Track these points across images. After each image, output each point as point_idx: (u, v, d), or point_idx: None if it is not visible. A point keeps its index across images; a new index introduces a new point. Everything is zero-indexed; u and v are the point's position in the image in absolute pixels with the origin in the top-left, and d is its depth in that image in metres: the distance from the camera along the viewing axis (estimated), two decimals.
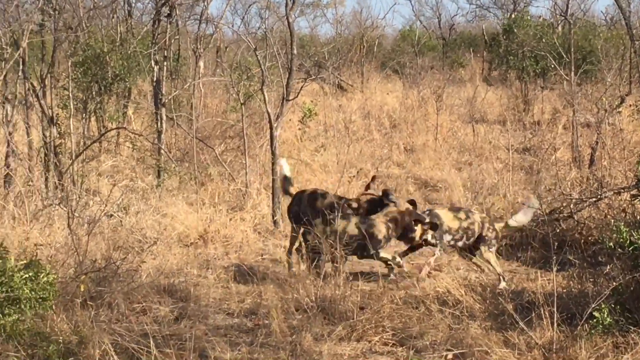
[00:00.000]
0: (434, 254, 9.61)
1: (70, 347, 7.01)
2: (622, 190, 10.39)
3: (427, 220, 9.38)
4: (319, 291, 8.49)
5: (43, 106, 12.21)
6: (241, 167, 13.65)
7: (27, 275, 6.47)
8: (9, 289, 6.39)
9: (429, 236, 9.46)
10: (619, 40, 21.85)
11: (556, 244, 9.27)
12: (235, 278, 9.61)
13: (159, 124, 13.48)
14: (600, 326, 7.11)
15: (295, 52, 12.46)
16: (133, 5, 20.43)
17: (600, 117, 14.25)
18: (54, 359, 6.72)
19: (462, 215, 9.61)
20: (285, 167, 10.85)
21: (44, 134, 12.32)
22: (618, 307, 7.25)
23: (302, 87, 13.49)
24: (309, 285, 8.65)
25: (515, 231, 10.39)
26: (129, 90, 16.74)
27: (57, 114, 12.89)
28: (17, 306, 6.46)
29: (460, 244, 9.61)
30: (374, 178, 10.55)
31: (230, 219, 11.72)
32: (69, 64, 13.19)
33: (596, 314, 7.12)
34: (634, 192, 8.92)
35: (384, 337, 7.72)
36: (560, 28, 24.52)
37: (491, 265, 9.57)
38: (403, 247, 9.91)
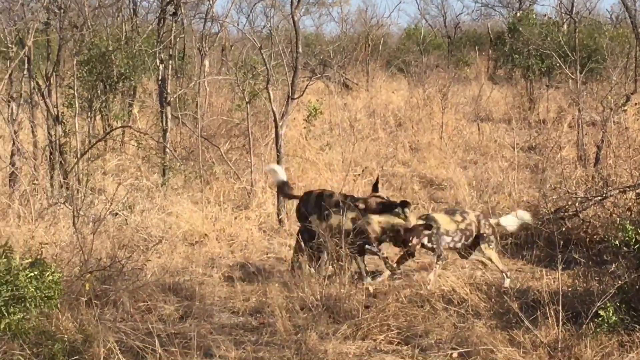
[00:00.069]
0: (436, 265, 9.50)
1: (75, 346, 7.02)
2: (628, 189, 10.39)
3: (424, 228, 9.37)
4: (324, 290, 8.49)
5: (48, 105, 12.22)
6: (246, 165, 13.65)
7: (32, 274, 6.46)
8: (14, 288, 6.39)
9: (425, 240, 9.43)
10: (624, 39, 21.80)
11: (561, 242, 9.27)
12: (240, 277, 9.61)
13: (164, 122, 13.49)
14: (606, 325, 7.11)
15: (300, 50, 12.46)
16: (138, 3, 20.50)
17: (606, 116, 14.24)
18: (59, 357, 6.73)
19: (457, 217, 9.58)
20: (279, 172, 10.75)
21: (49, 133, 12.33)
22: (623, 305, 7.25)
23: (307, 85, 13.48)
24: (314, 284, 8.65)
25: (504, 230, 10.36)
26: (134, 88, 16.74)
27: (63, 112, 12.89)
28: (23, 305, 6.45)
29: (459, 245, 9.58)
30: (378, 178, 10.55)
31: (236, 218, 11.73)
32: (74, 62, 13.19)
33: (601, 312, 7.12)
34: None
35: (389, 335, 7.71)
36: (565, 26, 24.47)
37: (493, 262, 9.55)
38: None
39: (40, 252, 8.00)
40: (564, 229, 10.68)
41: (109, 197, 11.28)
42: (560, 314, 7.20)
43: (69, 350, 6.88)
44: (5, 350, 6.59)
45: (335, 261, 9.07)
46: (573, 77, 16.97)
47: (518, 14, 28.29)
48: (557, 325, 7.21)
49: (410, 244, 9.30)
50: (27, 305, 6.46)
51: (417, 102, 20.82)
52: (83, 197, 11.23)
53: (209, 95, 17.87)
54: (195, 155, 13.87)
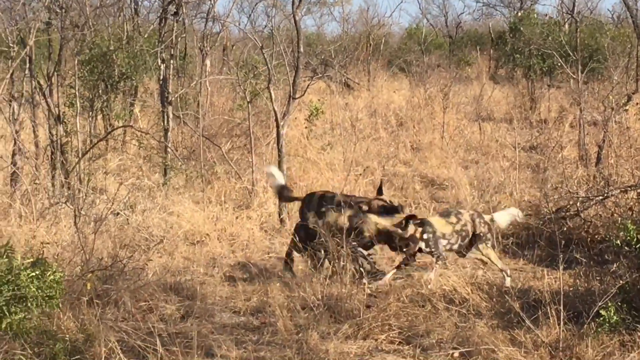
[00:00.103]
0: (434, 268, 9.49)
1: (76, 345, 7.02)
2: (629, 189, 10.39)
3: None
4: (325, 289, 8.49)
5: (50, 104, 12.23)
6: (248, 165, 13.65)
7: (33, 274, 6.47)
8: (16, 287, 6.39)
9: (422, 245, 9.43)
10: (625, 38, 21.79)
11: (563, 242, 9.24)
12: (242, 276, 9.61)
13: (165, 122, 13.49)
14: (607, 324, 7.11)
15: (301, 50, 12.46)
16: (140, 3, 20.48)
17: (607, 115, 14.23)
18: (61, 357, 6.73)
19: (452, 219, 9.56)
20: (277, 176, 10.73)
21: (50, 132, 12.34)
22: (625, 305, 7.25)
23: (308, 85, 13.47)
24: (315, 284, 8.65)
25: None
26: (136, 88, 16.74)
27: (64, 112, 12.90)
28: (24, 304, 6.46)
29: (455, 247, 9.57)
30: (382, 182, 10.56)
31: (237, 217, 11.73)
32: (76, 62, 13.20)
33: (603, 312, 7.11)
34: None
35: (391, 335, 7.71)
36: (566, 26, 24.47)
37: (492, 260, 9.55)
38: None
39: (41, 252, 8.00)
40: (565, 229, 10.67)
41: (111, 197, 11.28)
42: (562, 313, 7.20)
43: (70, 350, 6.88)
44: (6, 350, 6.59)
45: (336, 260, 9.07)
46: (574, 76, 16.95)
47: (519, 14, 28.28)
48: (559, 325, 7.21)
49: (405, 250, 9.32)
50: (29, 304, 6.47)
51: (418, 101, 20.81)
52: (84, 197, 11.23)
53: (211, 95, 17.87)
54: (197, 154, 13.88)
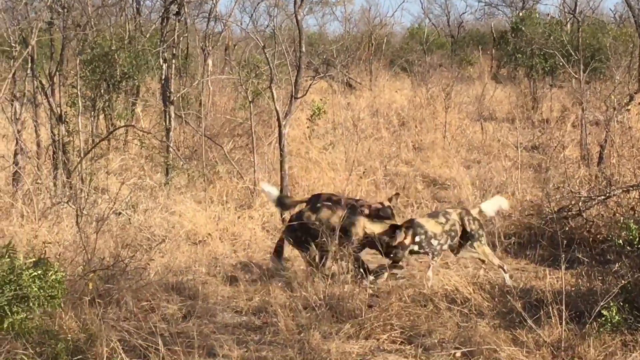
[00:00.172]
0: (432, 263, 9.49)
1: (78, 345, 7.02)
2: (631, 188, 10.38)
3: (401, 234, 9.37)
4: (327, 289, 8.49)
5: (51, 104, 12.23)
6: (250, 165, 13.66)
7: (35, 273, 6.47)
8: (18, 287, 6.39)
9: (415, 247, 9.43)
10: (627, 38, 21.79)
11: (565, 242, 9.26)
12: (244, 276, 9.61)
13: (167, 121, 13.49)
14: (609, 324, 7.10)
15: (303, 49, 12.46)
16: (142, 3, 20.49)
17: (609, 115, 14.23)
18: (62, 356, 6.73)
19: (441, 219, 9.56)
20: (270, 190, 10.74)
21: (52, 132, 12.34)
22: (627, 305, 7.25)
23: (310, 85, 13.48)
24: (317, 283, 8.65)
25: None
26: (138, 88, 16.75)
27: (66, 111, 12.91)
28: (26, 304, 6.46)
29: (445, 247, 9.58)
30: (397, 195, 10.55)
31: (239, 217, 11.73)
32: (78, 62, 13.21)
33: (605, 312, 7.11)
34: None
35: (392, 335, 7.71)
36: (568, 26, 24.47)
37: (487, 257, 9.55)
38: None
39: (43, 252, 7.98)
40: (567, 229, 10.67)
41: (112, 197, 11.28)
42: (564, 313, 7.19)
43: (72, 350, 6.88)
44: (8, 350, 6.59)
45: (336, 260, 9.07)
46: (576, 76, 16.95)
47: (521, 14, 28.21)
48: (560, 325, 7.21)
49: (392, 256, 9.33)
50: (31, 304, 6.47)
51: (420, 101, 20.81)
52: (86, 197, 11.23)
53: (212, 95, 17.88)
54: (199, 154, 13.88)
